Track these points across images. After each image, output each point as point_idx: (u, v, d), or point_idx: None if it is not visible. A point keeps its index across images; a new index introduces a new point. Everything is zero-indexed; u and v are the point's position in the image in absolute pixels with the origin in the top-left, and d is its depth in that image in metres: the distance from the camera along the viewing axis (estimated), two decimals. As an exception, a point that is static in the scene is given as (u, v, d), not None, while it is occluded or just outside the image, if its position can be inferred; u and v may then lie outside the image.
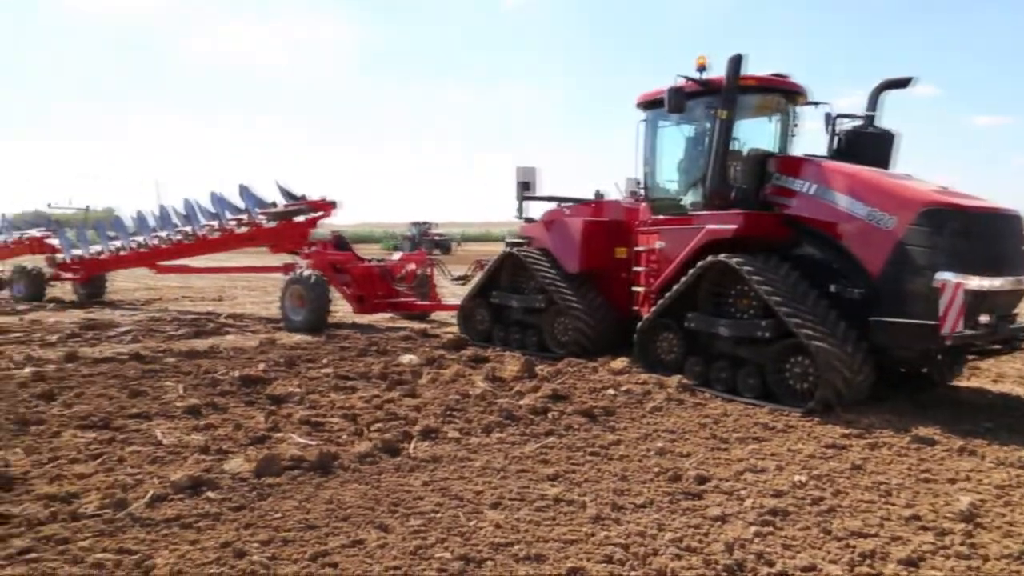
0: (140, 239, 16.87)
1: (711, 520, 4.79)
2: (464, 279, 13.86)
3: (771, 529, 4.68)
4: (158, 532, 4.52)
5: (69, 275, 18.67)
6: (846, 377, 7.41)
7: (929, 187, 8.00)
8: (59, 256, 18.72)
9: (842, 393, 7.45)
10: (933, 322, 7.17)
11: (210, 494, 5.08)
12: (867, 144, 9.40)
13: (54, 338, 11.95)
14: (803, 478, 5.55)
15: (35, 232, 19.91)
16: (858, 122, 9.62)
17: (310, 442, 6.19)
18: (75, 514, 4.73)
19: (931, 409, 7.82)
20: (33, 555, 4.22)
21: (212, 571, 4.05)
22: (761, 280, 8.05)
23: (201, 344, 11.37)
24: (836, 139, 9.59)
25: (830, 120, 9.61)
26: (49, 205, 24.31)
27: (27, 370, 9.09)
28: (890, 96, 9.58)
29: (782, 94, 9.48)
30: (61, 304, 17.79)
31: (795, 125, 9.71)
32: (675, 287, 9.06)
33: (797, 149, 9.66)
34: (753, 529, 4.64)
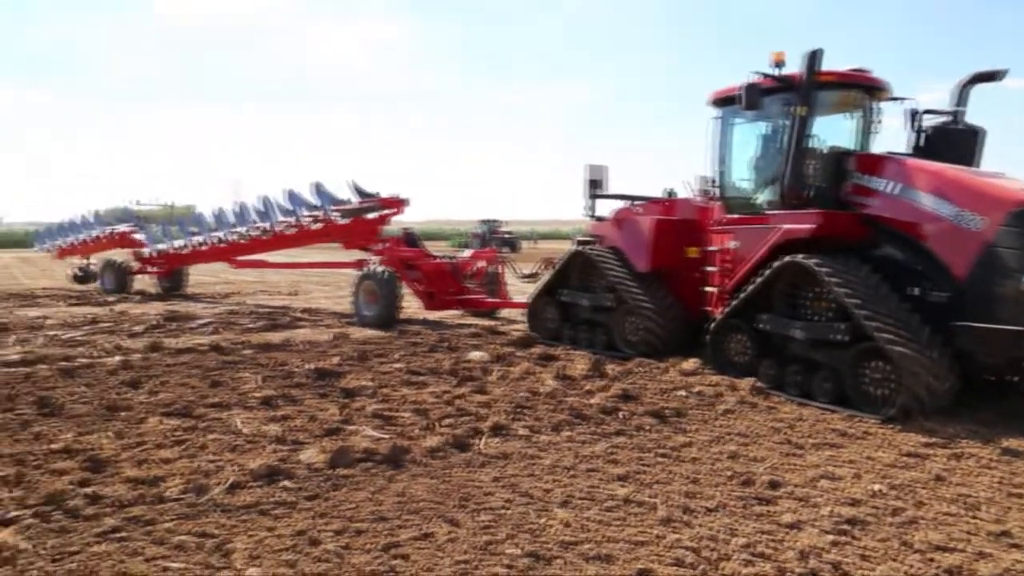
0: (219, 235, 17.45)
1: (784, 527, 4.69)
2: (533, 276, 13.88)
3: (847, 538, 4.55)
4: (237, 517, 4.68)
5: (153, 268, 19.44)
6: (929, 384, 7.15)
7: (1021, 186, 7.64)
8: (144, 251, 19.52)
9: (924, 400, 7.18)
10: (1023, 328, 6.84)
11: (286, 483, 5.22)
12: (953, 141, 9.04)
13: (139, 328, 12.47)
14: (881, 487, 5.38)
15: (122, 227, 20.81)
16: (944, 118, 9.26)
17: (382, 435, 6.31)
18: (160, 497, 4.93)
19: (1019, 420, 7.48)
20: (122, 534, 4.43)
21: (287, 557, 4.17)
22: (839, 282, 7.83)
23: (276, 337, 11.70)
24: (919, 136, 9.26)
25: (913, 116, 9.28)
26: (137, 202, 25.36)
27: (115, 359, 9.52)
28: (980, 90, 9.19)
29: (862, 90, 9.19)
30: (146, 296, 18.54)
31: (876, 122, 9.40)
32: (749, 288, 8.88)
33: (877, 147, 9.36)
34: (828, 538, 4.53)
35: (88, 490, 4.99)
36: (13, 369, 8.93)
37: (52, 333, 11.87)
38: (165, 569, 4.05)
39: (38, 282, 23.12)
